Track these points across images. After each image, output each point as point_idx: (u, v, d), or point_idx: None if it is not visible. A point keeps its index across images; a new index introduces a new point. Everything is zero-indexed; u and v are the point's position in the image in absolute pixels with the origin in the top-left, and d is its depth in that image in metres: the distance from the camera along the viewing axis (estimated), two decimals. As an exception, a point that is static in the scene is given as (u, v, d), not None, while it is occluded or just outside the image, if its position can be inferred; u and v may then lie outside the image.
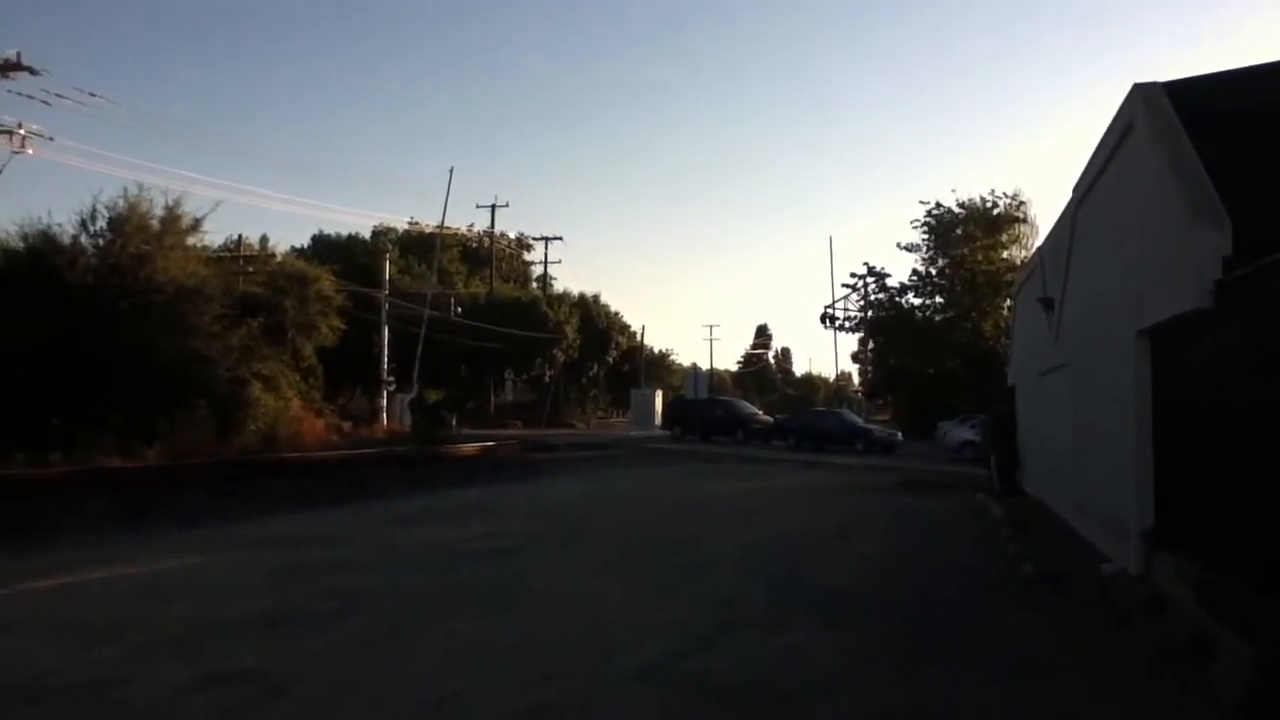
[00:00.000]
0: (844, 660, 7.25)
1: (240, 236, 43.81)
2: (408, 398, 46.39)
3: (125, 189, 28.29)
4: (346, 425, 38.72)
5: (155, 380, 24.69)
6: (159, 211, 27.69)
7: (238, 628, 7.93)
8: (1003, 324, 46.38)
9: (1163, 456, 9.68)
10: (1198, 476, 8.49)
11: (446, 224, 54.33)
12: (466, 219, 68.21)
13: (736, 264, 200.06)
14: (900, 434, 42.93)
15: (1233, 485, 7.50)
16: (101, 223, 26.98)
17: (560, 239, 72.83)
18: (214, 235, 34.27)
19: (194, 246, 29.12)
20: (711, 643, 7.72)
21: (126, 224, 26.75)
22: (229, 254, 38.99)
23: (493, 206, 63.89)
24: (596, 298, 73.91)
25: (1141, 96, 10.65)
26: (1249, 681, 5.98)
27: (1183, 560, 8.58)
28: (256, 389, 28.61)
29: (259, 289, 33.93)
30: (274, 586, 9.80)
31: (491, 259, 66.23)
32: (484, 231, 67.56)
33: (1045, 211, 65.09)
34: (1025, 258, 43.30)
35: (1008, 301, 42.63)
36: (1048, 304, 17.29)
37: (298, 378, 33.38)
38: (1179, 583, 8.44)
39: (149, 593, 9.47)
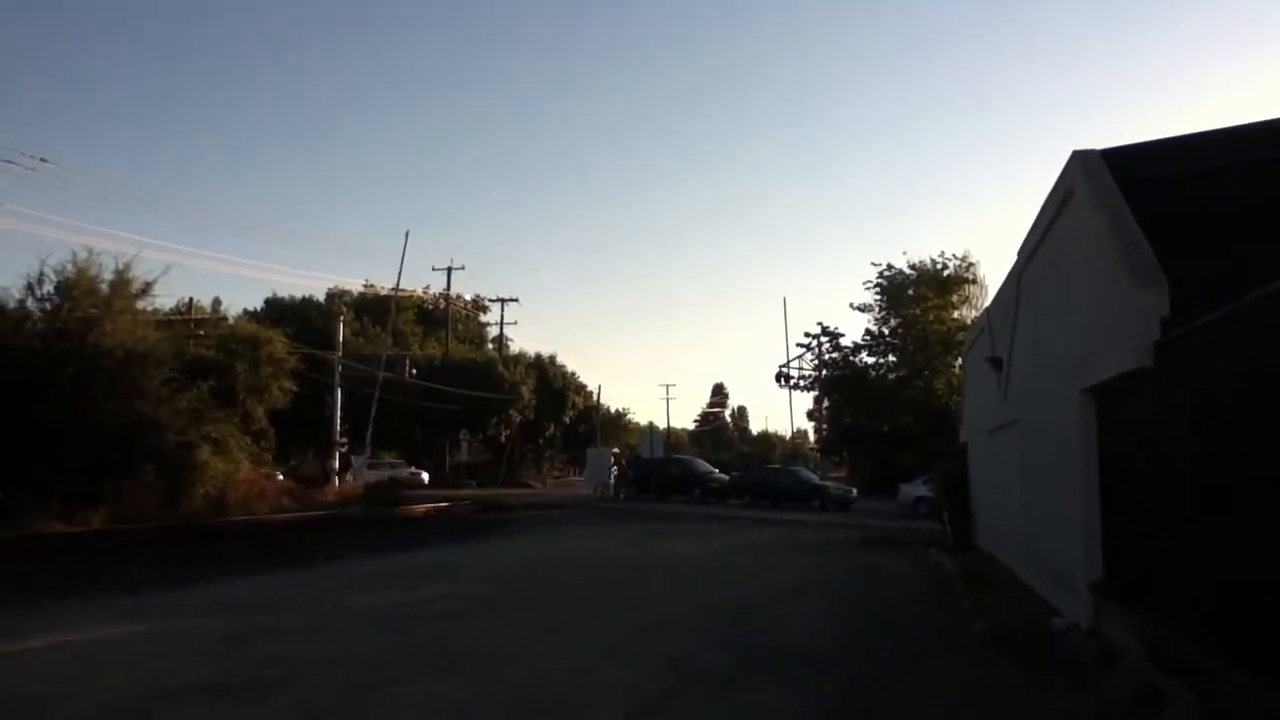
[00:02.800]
0: (796, 720, 7.21)
1: (191, 300, 43.42)
2: (361, 460, 45.91)
3: (74, 253, 28.12)
4: (299, 488, 38.17)
5: (101, 445, 24.23)
6: (108, 275, 27.40)
7: (178, 697, 7.71)
8: (954, 382, 46.95)
9: (1109, 511, 9.81)
10: (1143, 531, 8.61)
11: (402, 286, 54.35)
12: (423, 281, 68.68)
13: (693, 323, 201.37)
14: (855, 491, 43.13)
15: (1175, 539, 7.61)
16: (49, 287, 26.63)
17: (516, 300, 73.26)
18: (165, 299, 33.89)
19: (144, 310, 28.75)
20: (662, 704, 7.64)
21: (74, 288, 26.39)
22: (180, 317, 38.59)
23: (449, 269, 64.16)
24: (553, 358, 74.06)
25: (1081, 163, 10.97)
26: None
27: (1131, 613, 8.67)
28: (206, 452, 28.17)
29: (209, 352, 33.57)
30: (218, 654, 9.56)
31: (448, 320, 66.19)
32: (440, 293, 67.69)
33: (994, 272, 66.26)
34: (975, 317, 44.02)
35: (959, 360, 43.19)
36: (996, 363, 17.57)
37: (248, 440, 32.93)
38: (1128, 635, 8.53)
39: (87, 662, 9.19)
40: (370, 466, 53.27)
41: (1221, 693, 6.13)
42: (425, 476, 55.59)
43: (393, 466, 54.88)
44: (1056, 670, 8.99)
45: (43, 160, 30.01)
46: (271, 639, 10.36)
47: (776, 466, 54.63)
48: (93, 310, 26.28)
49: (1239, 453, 6.29)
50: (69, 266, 26.78)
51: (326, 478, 44.37)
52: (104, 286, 27.16)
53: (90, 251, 27.56)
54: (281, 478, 38.30)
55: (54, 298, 26.56)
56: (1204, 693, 6.26)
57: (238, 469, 30.35)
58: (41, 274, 26.53)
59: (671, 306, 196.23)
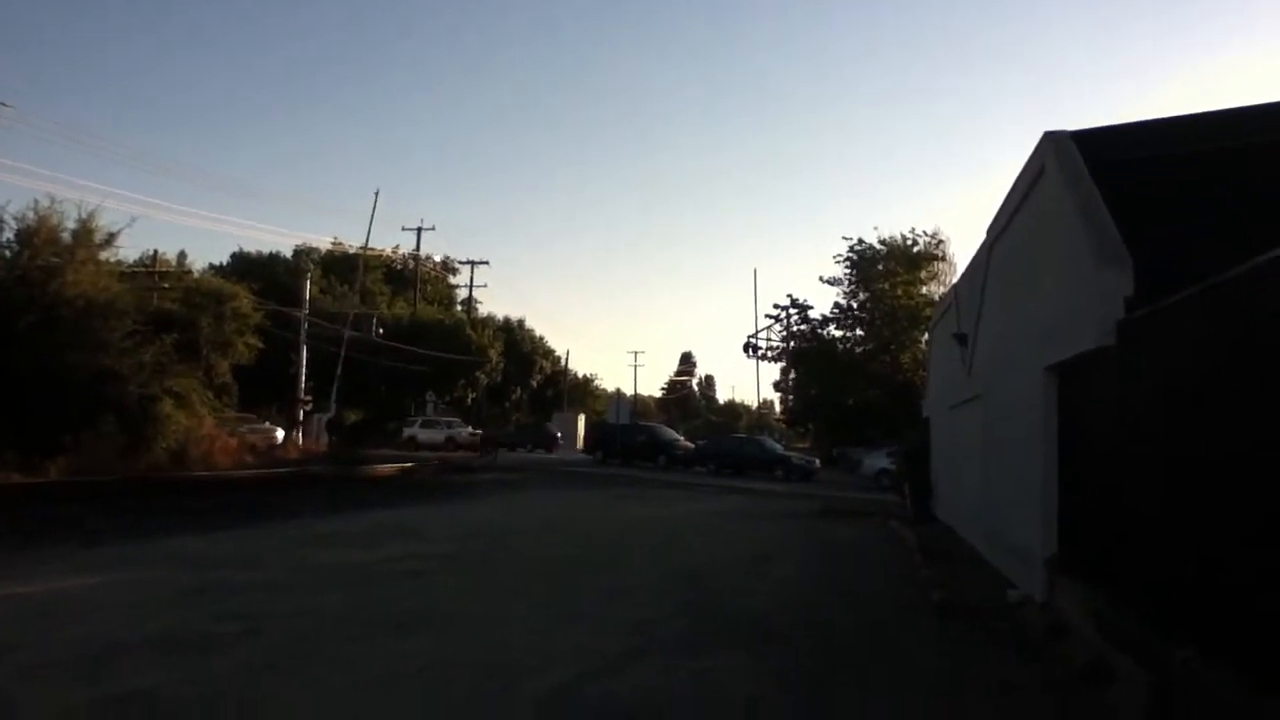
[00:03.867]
0: (754, 685, 7.28)
1: (156, 252, 42.79)
2: (325, 417, 45.67)
3: (35, 200, 27.49)
4: (265, 443, 37.90)
5: (62, 396, 23.91)
6: (71, 224, 26.90)
7: (135, 649, 7.68)
8: (920, 357, 47.26)
9: (1067, 487, 9.94)
10: (1098, 507, 8.73)
11: (371, 245, 53.87)
12: (392, 241, 68.01)
13: (662, 292, 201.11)
14: (818, 461, 43.48)
15: (1129, 516, 7.72)
16: (9, 234, 26.12)
17: (486, 263, 72.59)
18: (130, 251, 33.43)
19: (107, 261, 28.29)
20: (621, 667, 7.70)
21: (35, 236, 25.89)
22: (144, 270, 38.02)
23: (418, 229, 63.54)
24: (521, 322, 73.88)
25: (1052, 144, 11.01)
26: (1144, 705, 6.16)
27: (1084, 588, 8.81)
28: (168, 406, 27.87)
29: (174, 305, 33.14)
30: (176, 608, 9.53)
31: (416, 281, 65.70)
32: (409, 254, 67.07)
33: (962, 249, 66.60)
34: (943, 294, 44.30)
35: (925, 335, 43.47)
36: (962, 339, 17.70)
37: (211, 395, 32.64)
38: (1080, 610, 8.67)
39: (43, 613, 9.13)
40: (425, 425, 53.34)
41: (1169, 669, 6.25)
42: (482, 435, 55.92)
43: (449, 425, 54.85)
44: (1008, 642, 9.14)
45: (2, 104, 29.27)
46: (231, 594, 10.34)
47: (741, 436, 54.89)
48: (54, 259, 25.82)
49: (1196, 433, 6.38)
50: (30, 214, 26.30)
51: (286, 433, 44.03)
52: (66, 235, 26.67)
53: (53, 200, 27.05)
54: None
55: (14, 245, 26.08)
56: (1152, 668, 6.38)
57: (200, 424, 30.09)
58: (1, 220, 26.06)
59: (642, 274, 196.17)
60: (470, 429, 54.89)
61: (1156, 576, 7.03)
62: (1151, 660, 6.51)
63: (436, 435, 52.42)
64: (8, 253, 26.06)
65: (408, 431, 52.75)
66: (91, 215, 27.44)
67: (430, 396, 62.16)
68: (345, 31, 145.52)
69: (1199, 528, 6.22)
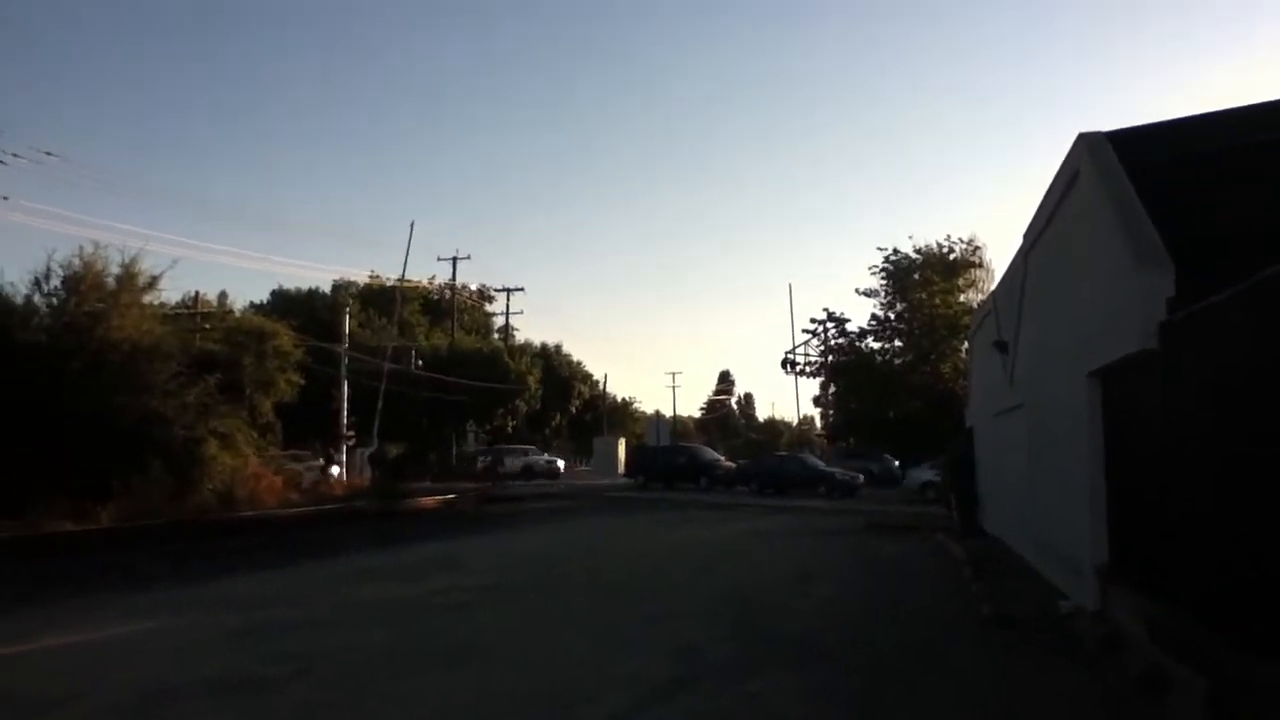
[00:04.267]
0: (805, 707, 7.22)
1: (198, 293, 43.42)
2: (367, 451, 45.96)
3: (80, 247, 27.93)
4: (323, 483, 38.20)
5: (110, 440, 24.24)
6: (115, 269, 27.27)
7: (188, 694, 7.75)
8: (960, 366, 46.85)
9: (1115, 494, 9.80)
10: (1148, 513, 8.59)
11: (407, 277, 54.39)
12: (428, 271, 68.10)
13: (698, 311, 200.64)
14: (862, 476, 43.14)
15: (1181, 520, 7.59)
16: (55, 281, 26.53)
17: (522, 290, 72.86)
18: (171, 292, 33.89)
19: (150, 304, 28.69)
20: (673, 694, 7.66)
21: (81, 282, 26.35)
22: (186, 311, 38.59)
23: (454, 259, 63.96)
24: (558, 347, 74.04)
25: (1087, 145, 10.92)
26: (1202, 714, 6.03)
27: (1137, 596, 8.66)
28: (213, 447, 28.15)
29: (216, 346, 33.50)
30: (228, 650, 9.61)
31: (453, 311, 66.12)
32: (445, 284, 67.51)
33: (999, 255, 66.01)
34: (981, 301, 43.92)
35: (965, 344, 43.09)
36: (1002, 347, 17.53)
37: (255, 435, 32.93)
38: (1134, 619, 8.52)
39: (97, 660, 9.25)
40: (499, 455, 53.87)
41: (1227, 676, 6.12)
42: (561, 464, 56.46)
43: (525, 454, 55.20)
44: (1062, 654, 9.00)
45: (48, 154, 29.91)
46: (281, 633, 10.41)
47: (783, 454, 54.62)
48: (99, 304, 26.23)
49: (1246, 434, 6.26)
50: (75, 261, 26.71)
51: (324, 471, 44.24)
52: (110, 280, 27.10)
53: (96, 245, 27.47)
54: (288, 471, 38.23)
55: (61, 292, 26.51)
56: (1209, 675, 6.25)
57: (245, 464, 30.37)
58: (48, 268, 26.46)
59: (677, 295, 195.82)
60: (546, 457, 55.24)
61: (1211, 581, 6.90)
62: (1209, 668, 6.38)
63: (514, 464, 53.32)
64: (55, 300, 26.52)
65: (483, 461, 53.27)
66: (134, 259, 27.86)
67: (471, 426, 62.42)
68: (373, 63, 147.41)
69: (1253, 529, 6.10)
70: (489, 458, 53.43)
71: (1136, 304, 8.37)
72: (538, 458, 54.66)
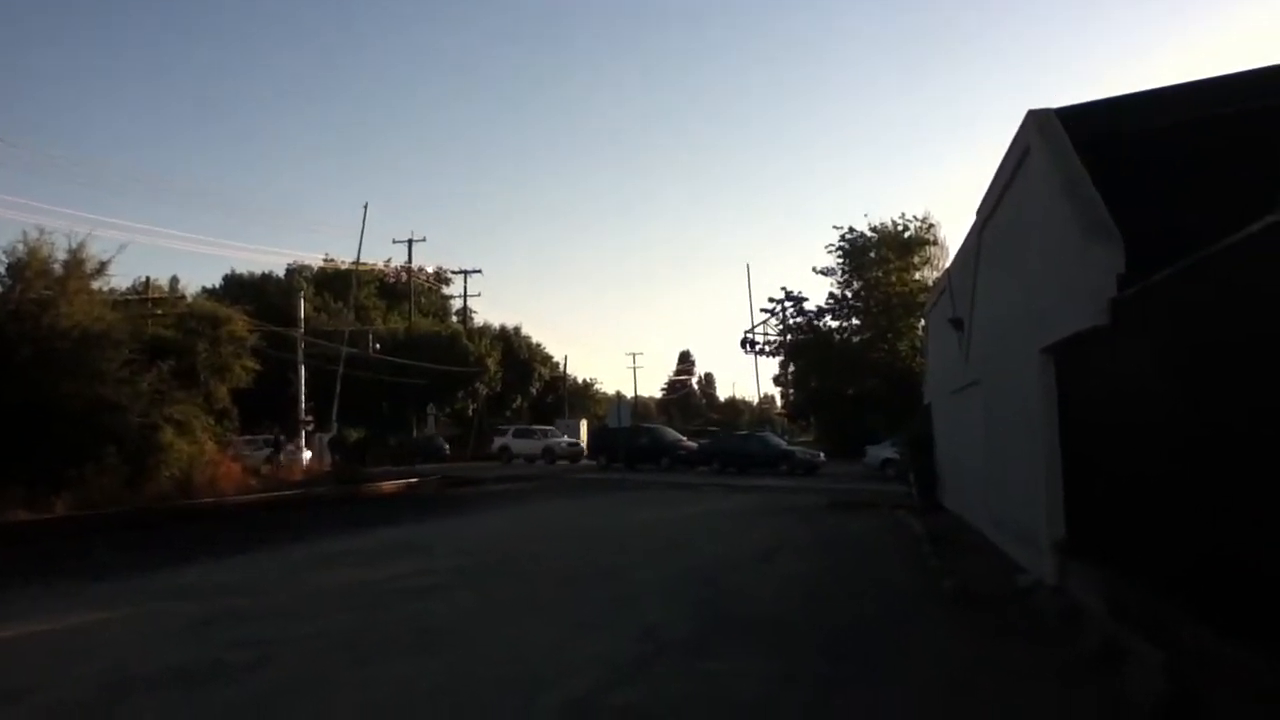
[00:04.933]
0: (766, 686, 7.28)
1: (148, 278, 42.72)
2: (326, 436, 45.63)
3: (25, 233, 27.44)
4: (265, 468, 37.82)
5: (62, 429, 23.87)
6: (62, 255, 26.83)
7: (150, 684, 7.66)
8: (917, 344, 47.24)
9: (1071, 469, 9.93)
10: (1104, 487, 8.73)
11: (363, 260, 53.91)
12: (383, 254, 67.56)
13: (657, 292, 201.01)
14: (823, 454, 43.47)
15: (1136, 495, 7.73)
16: (0, 269, 26.12)
17: (479, 272, 72.75)
18: (121, 278, 33.39)
19: (100, 290, 28.26)
20: (635, 674, 7.69)
21: (27, 269, 25.84)
22: (137, 297, 37.95)
23: (410, 241, 63.54)
24: (518, 329, 73.76)
25: (1036, 122, 11.01)
26: (1159, 687, 6.15)
27: (1094, 570, 8.82)
28: (169, 434, 27.82)
29: (169, 331, 33.05)
30: (188, 638, 9.51)
31: (410, 294, 65.69)
32: (402, 266, 67.04)
33: (954, 233, 66.66)
34: (936, 278, 44.27)
35: (921, 322, 43.48)
36: (957, 324, 17.69)
37: (211, 421, 32.58)
38: (1091, 593, 8.67)
39: (55, 651, 9.12)
40: (519, 435, 53.33)
41: (1183, 648, 6.25)
42: (583, 445, 54.67)
43: (546, 435, 54.13)
44: (1021, 628, 9.14)
45: (-8, 140, 29.20)
46: (242, 621, 10.32)
47: (744, 433, 54.88)
48: (46, 291, 25.76)
49: (1197, 408, 6.38)
50: (20, 247, 26.23)
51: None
52: (57, 267, 26.61)
53: (42, 231, 26.99)
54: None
55: (5, 279, 26.04)
56: (1166, 648, 6.38)
57: (202, 450, 30.04)
58: (-9, 255, 26.01)
59: (636, 275, 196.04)
60: (567, 439, 54.75)
61: (1165, 554, 7.04)
62: (1165, 640, 6.51)
63: (534, 446, 52.20)
64: (0, 287, 26.02)
65: (499, 441, 52.60)
66: (82, 245, 27.39)
67: (431, 409, 62.15)
68: (326, 42, 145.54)
69: (1205, 503, 6.21)
70: (503, 438, 52.37)
71: (1088, 280, 8.47)
72: (558, 439, 53.78)
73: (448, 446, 54.82)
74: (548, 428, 57.39)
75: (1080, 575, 9.29)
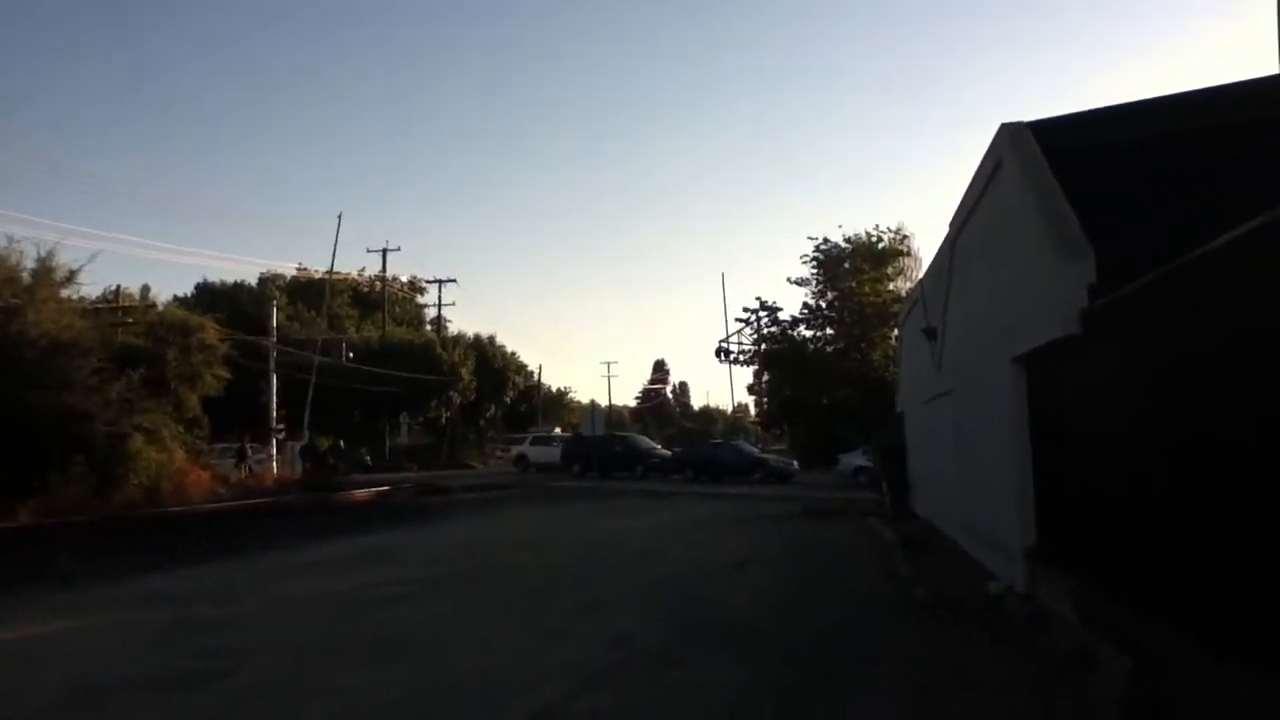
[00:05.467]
0: (736, 695, 7.26)
1: (119, 287, 42.34)
2: (298, 445, 45.31)
3: (-9, 241, 27.04)
4: (234, 475, 37.52)
5: (29, 437, 23.59)
6: (30, 263, 26.58)
7: (116, 692, 7.58)
8: (891, 353, 47.48)
9: (1042, 477, 9.99)
10: (1074, 496, 8.79)
11: (337, 269, 53.68)
12: (358, 263, 67.45)
13: (632, 301, 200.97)
14: (796, 463, 43.60)
15: (1106, 502, 7.78)
16: (-33, 277, 25.78)
17: (454, 281, 72.40)
18: (91, 286, 33.10)
19: (69, 299, 28.02)
20: (603, 682, 7.65)
21: (-6, 277, 25.60)
22: (107, 305, 37.63)
23: (384, 250, 63.41)
24: (492, 339, 73.61)
25: (1009, 134, 11.11)
26: (1125, 691, 6.19)
27: (1064, 577, 8.87)
28: (138, 442, 27.57)
29: (139, 340, 32.79)
30: (156, 647, 9.40)
31: (384, 303, 65.46)
32: (376, 275, 66.82)
33: (927, 244, 67.12)
34: (910, 289, 44.52)
35: (895, 332, 43.68)
36: (930, 333, 17.79)
37: (181, 429, 32.30)
38: (1061, 599, 8.72)
39: (19, 660, 9.00)
40: (536, 442, 52.35)
41: (1151, 654, 6.30)
42: None
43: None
44: (992, 634, 9.17)
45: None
46: (210, 630, 10.22)
47: (718, 441, 54.96)
48: (14, 300, 25.50)
49: (1165, 418, 6.43)
50: (-13, 255, 25.96)
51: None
52: (25, 275, 26.37)
53: (10, 239, 26.72)
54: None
55: (-29, 288, 25.74)
56: (1134, 654, 6.42)
57: (171, 459, 29.78)
58: (-42, 263, 25.70)
59: (611, 285, 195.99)
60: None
61: (1135, 562, 7.08)
62: (1133, 646, 6.56)
63: (553, 453, 51.38)
64: (-34, 296, 25.70)
65: (516, 450, 51.89)
66: (51, 253, 27.17)
67: (404, 418, 61.88)
68: (301, 51, 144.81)
69: (1173, 512, 6.26)
70: (520, 446, 51.29)
71: (1059, 291, 8.54)
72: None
73: (369, 459, 53.05)
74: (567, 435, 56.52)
75: (1050, 582, 9.34)
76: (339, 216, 71.95)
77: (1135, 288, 6.92)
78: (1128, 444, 7.21)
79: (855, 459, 38.14)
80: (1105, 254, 8.33)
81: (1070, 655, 7.45)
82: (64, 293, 27.66)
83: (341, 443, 42.17)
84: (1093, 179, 10.06)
